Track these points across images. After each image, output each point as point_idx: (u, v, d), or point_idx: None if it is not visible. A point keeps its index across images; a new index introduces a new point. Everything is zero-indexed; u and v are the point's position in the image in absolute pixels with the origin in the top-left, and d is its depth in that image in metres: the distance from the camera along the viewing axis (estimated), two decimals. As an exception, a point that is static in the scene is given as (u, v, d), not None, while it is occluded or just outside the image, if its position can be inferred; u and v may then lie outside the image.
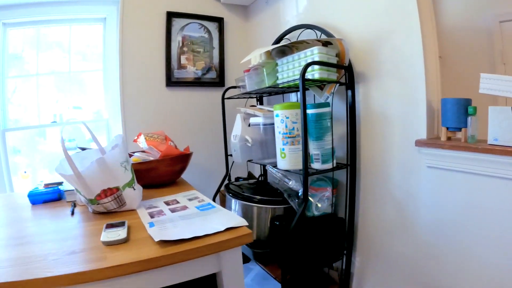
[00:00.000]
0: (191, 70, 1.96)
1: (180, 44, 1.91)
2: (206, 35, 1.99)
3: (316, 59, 1.17)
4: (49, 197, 1.09)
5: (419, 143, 1.07)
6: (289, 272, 1.24)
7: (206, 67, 2.00)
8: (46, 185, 1.12)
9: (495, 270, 0.92)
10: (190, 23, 1.94)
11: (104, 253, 0.68)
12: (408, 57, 1.10)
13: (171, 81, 1.91)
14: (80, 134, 2.06)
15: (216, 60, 2.03)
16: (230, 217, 0.86)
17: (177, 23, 1.90)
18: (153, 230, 0.77)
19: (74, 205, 1.04)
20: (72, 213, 0.97)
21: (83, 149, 1.20)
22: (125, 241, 0.73)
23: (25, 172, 1.70)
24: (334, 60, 1.23)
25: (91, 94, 2.05)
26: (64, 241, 0.74)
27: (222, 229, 0.77)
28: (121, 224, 0.81)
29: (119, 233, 0.75)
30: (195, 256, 0.70)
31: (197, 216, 0.88)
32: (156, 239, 0.70)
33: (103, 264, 0.62)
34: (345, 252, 1.37)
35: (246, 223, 0.81)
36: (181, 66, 1.92)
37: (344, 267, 1.39)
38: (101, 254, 0.68)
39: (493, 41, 1.72)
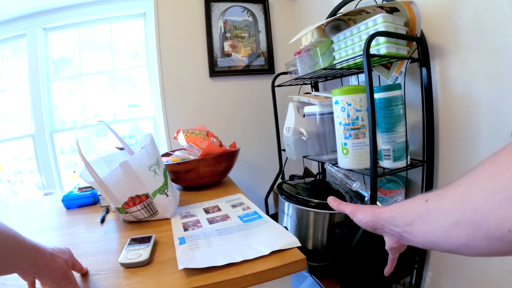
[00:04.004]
0: (237, 58, 1.80)
1: (222, 30, 1.77)
2: (250, 18, 1.82)
3: (381, 29, 0.93)
4: (83, 202, 1.01)
5: (518, 135, 0.83)
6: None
7: (253, 54, 1.83)
8: (80, 189, 1.04)
9: None
10: (231, 6, 1.79)
11: (119, 279, 0.56)
12: (497, 23, 0.84)
13: (215, 71, 1.78)
14: (140, 131, 2.05)
15: (263, 45, 1.85)
16: (278, 233, 0.67)
17: (217, 7, 1.76)
18: (181, 250, 0.63)
19: (107, 211, 0.95)
20: (102, 221, 0.87)
21: (121, 149, 1.10)
22: (146, 263, 0.60)
23: (74, 171, 1.70)
24: (403, 31, 0.98)
25: (144, 92, 2.03)
26: (83, 258, 0.63)
27: (267, 252, 0.59)
28: (147, 239, 0.68)
29: (141, 253, 0.62)
30: (230, 290, 0.53)
31: (238, 230, 0.72)
32: (180, 267, 0.55)
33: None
34: (416, 265, 1.17)
35: (298, 244, 0.62)
36: (225, 54, 1.78)
37: (413, 282, 1.19)
38: (115, 279, 0.56)
39: None
